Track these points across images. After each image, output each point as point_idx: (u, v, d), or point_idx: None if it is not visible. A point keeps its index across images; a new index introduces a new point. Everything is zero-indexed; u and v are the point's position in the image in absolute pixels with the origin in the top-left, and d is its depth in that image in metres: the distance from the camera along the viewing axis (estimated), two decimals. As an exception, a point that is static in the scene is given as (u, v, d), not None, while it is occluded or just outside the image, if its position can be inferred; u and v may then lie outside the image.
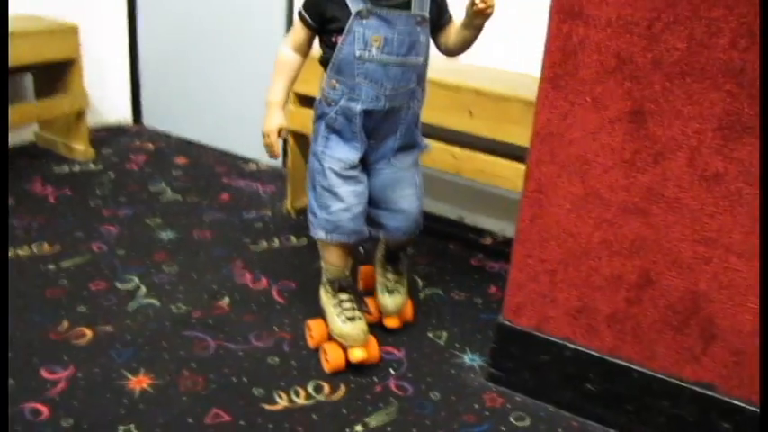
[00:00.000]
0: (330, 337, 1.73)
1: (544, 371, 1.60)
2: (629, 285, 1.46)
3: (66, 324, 1.81)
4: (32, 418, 1.48)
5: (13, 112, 2.69)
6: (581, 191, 1.44)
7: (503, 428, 1.55)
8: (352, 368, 1.69)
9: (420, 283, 2.14)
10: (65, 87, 2.84)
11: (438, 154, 2.03)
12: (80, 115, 2.89)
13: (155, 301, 1.94)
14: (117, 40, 3.25)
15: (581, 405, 1.58)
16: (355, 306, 1.73)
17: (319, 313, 1.80)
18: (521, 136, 1.62)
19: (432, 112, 1.90)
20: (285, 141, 2.62)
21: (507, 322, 1.63)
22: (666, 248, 1.40)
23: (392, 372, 1.71)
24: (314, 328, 1.77)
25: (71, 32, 2.73)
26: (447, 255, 2.32)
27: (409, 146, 1.68)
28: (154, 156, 3.05)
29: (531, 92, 1.52)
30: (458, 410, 1.59)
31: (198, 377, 1.64)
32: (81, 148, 2.93)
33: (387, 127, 1.62)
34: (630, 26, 1.31)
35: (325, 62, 1.58)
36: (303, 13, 1.56)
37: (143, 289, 1.99)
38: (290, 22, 2.78)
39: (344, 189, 1.62)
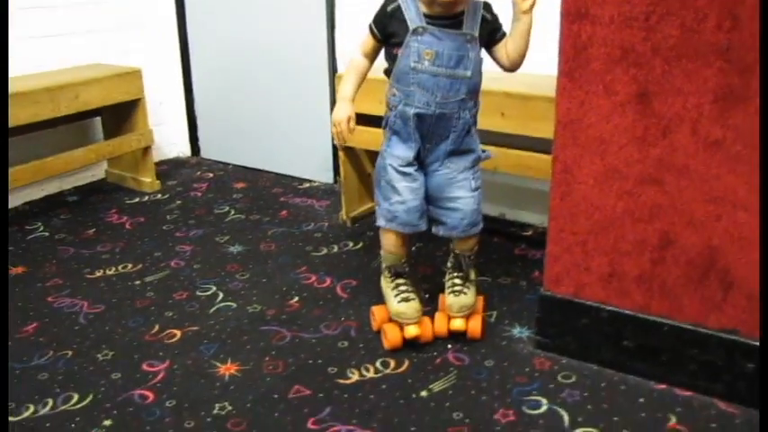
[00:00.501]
0: (390, 319, 1.93)
1: (584, 333, 1.79)
2: (652, 247, 1.65)
3: (157, 327, 2.05)
4: (141, 402, 1.72)
5: (88, 152, 2.98)
6: (601, 168, 1.64)
7: (551, 386, 1.74)
8: (410, 345, 1.88)
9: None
10: (131, 126, 3.12)
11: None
12: (147, 150, 3.17)
13: (232, 304, 2.17)
14: (173, 81, 3.55)
15: (620, 361, 1.76)
16: (410, 288, 1.93)
17: (381, 301, 2.01)
18: (547, 130, 1.82)
19: None
20: (336, 157, 2.86)
21: (548, 293, 1.82)
22: (681, 211, 1.59)
23: (449, 346, 1.92)
24: (376, 313, 1.99)
25: (136, 76, 3.02)
26: (492, 247, 2.52)
27: (463, 151, 1.85)
28: (214, 183, 3.31)
29: (551, 90, 1.72)
30: (510, 374, 1.79)
31: (278, 361, 1.87)
32: (148, 180, 3.21)
33: (439, 132, 1.81)
34: (630, 20, 1.52)
35: (388, 72, 1.82)
36: (372, 25, 1.79)
37: (221, 295, 2.23)
38: (332, 54, 3.03)
39: (402, 184, 1.83)
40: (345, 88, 1.84)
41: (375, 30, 1.79)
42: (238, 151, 3.52)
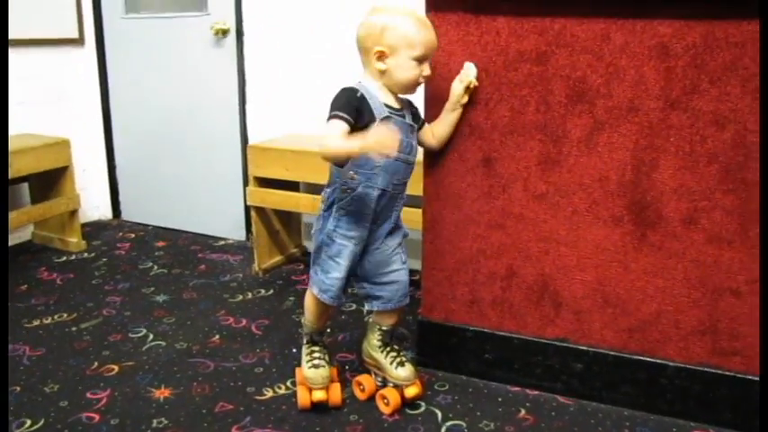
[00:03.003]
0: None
1: (454, 350, 2.22)
2: (501, 278, 2.11)
3: (96, 364, 2.37)
4: (88, 422, 2.03)
5: (20, 215, 3.27)
6: (459, 216, 2.11)
7: (429, 393, 2.16)
8: (318, 409, 2.07)
9: (364, 310, 2.75)
10: (58, 191, 3.42)
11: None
12: (74, 213, 3.48)
13: (162, 342, 2.51)
14: (96, 149, 3.89)
15: (483, 370, 2.21)
16: (322, 356, 2.11)
17: (290, 338, 2.40)
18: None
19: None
20: (249, 217, 3.25)
21: (425, 319, 2.26)
22: (520, 248, 2.07)
23: (347, 368, 2.32)
24: (297, 374, 2.16)
25: (65, 146, 3.35)
26: None
27: (395, 229, 2.01)
28: (136, 242, 3.64)
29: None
30: (397, 386, 2.20)
31: (205, 385, 2.22)
32: (75, 240, 3.51)
33: (385, 213, 1.95)
34: (476, 104, 2.01)
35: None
36: (340, 113, 1.78)
37: (151, 336, 2.57)
38: (243, 125, 3.45)
39: (346, 263, 1.95)
40: (351, 140, 1.75)
41: (347, 115, 1.78)
42: (158, 213, 3.87)
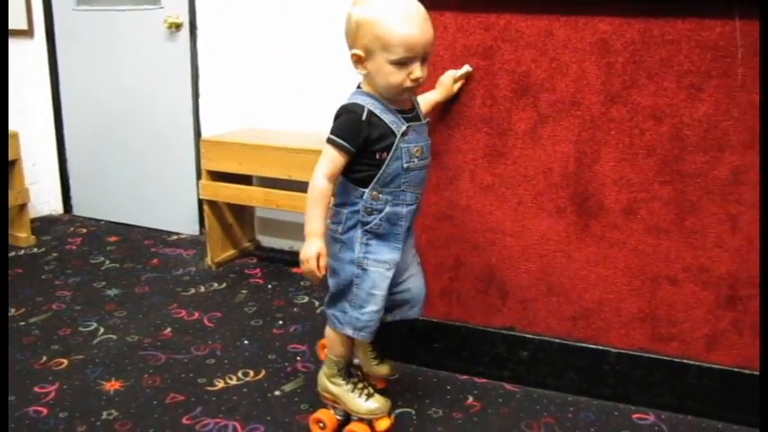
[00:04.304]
0: (348, 419, 1.92)
1: (404, 341, 2.26)
2: (449, 268, 2.16)
3: (45, 358, 2.35)
4: (36, 416, 2.02)
5: (-33, 211, 3.23)
6: (409, 208, 2.15)
7: (379, 381, 2.20)
8: None
9: (316, 303, 2.79)
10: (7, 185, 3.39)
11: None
12: (23, 207, 3.44)
13: (113, 336, 2.51)
14: (47, 143, 3.85)
15: (433, 360, 2.25)
16: (367, 383, 1.94)
17: (244, 329, 2.41)
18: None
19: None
20: (202, 211, 3.25)
21: (375, 308, 2.30)
22: (467, 239, 2.11)
23: (298, 358, 2.34)
24: (326, 419, 1.92)
25: (13, 138, 3.31)
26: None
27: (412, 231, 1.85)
28: (88, 237, 3.61)
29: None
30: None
31: (156, 377, 2.22)
32: (24, 235, 3.46)
33: (412, 225, 1.79)
34: (424, 98, 2.05)
35: (361, 180, 1.67)
36: (341, 142, 1.60)
37: (102, 329, 2.56)
38: (196, 118, 3.44)
39: (383, 294, 1.74)
40: (313, 224, 1.64)
41: (348, 145, 1.61)
42: (110, 208, 3.84)
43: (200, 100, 3.43)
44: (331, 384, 1.91)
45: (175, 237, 3.61)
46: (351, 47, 1.62)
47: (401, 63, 1.56)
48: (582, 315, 2.08)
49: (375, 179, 1.65)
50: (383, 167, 1.64)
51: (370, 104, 1.62)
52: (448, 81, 1.96)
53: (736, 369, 1.99)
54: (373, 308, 1.75)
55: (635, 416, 2.05)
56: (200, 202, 3.26)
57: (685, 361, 2.02)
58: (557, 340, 2.11)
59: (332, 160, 1.63)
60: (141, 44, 3.51)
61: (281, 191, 2.92)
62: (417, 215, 1.81)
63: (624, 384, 2.08)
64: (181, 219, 3.63)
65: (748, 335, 1.97)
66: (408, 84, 1.59)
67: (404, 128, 1.64)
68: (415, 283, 1.89)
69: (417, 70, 1.58)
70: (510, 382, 2.18)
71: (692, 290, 1.98)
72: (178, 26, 3.36)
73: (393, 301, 1.85)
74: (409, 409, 2.05)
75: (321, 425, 1.92)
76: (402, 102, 1.68)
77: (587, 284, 2.05)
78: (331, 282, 1.79)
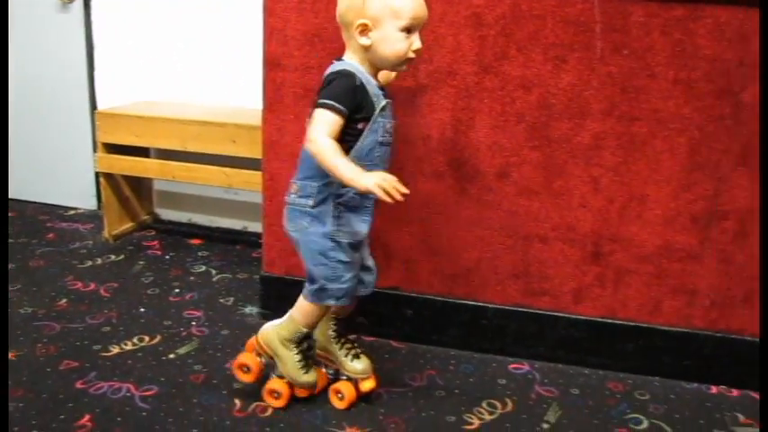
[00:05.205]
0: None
1: (293, 300, 2.35)
2: (337, 232, 2.26)
3: (-64, 331, 2.35)
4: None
5: None
6: (297, 175, 2.24)
7: (272, 342, 2.29)
8: None
9: (213, 272, 2.85)
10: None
11: (214, 174, 2.79)
12: None
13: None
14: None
15: (323, 320, 2.35)
16: (310, 359, 1.97)
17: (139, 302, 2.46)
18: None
19: (208, 144, 2.67)
20: (99, 185, 3.24)
21: (266, 274, 2.38)
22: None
23: (193, 323, 2.41)
24: (249, 363, 1.97)
25: None
26: (235, 252, 3.06)
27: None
28: (-19, 213, 3.55)
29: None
30: (241, 337, 2.30)
31: (50, 346, 2.24)
32: None
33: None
34: (309, 69, 2.13)
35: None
36: (334, 104, 1.62)
37: (-6, 302, 2.56)
38: (92, 90, 3.42)
39: (355, 257, 1.81)
40: (348, 170, 1.60)
41: (342, 107, 1.62)
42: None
43: (96, 72, 3.41)
44: (280, 344, 1.92)
45: (72, 211, 3.58)
46: (353, 20, 1.65)
47: (408, 30, 1.64)
48: (461, 274, 2.22)
49: (352, 151, 1.67)
50: (361, 139, 1.68)
51: (359, 73, 1.67)
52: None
53: (599, 319, 2.17)
54: (351, 274, 1.81)
55: (511, 366, 2.21)
56: (97, 175, 3.25)
57: (555, 313, 2.19)
58: (439, 298, 2.25)
59: (328, 122, 1.63)
60: (34, 17, 3.44)
61: (178, 162, 2.95)
62: None
63: (501, 337, 2.24)
64: (78, 193, 3.60)
65: (610, 287, 2.15)
66: (410, 54, 1.67)
67: (383, 102, 1.70)
68: (372, 263, 1.95)
69: (418, 41, 1.66)
70: (396, 339, 2.31)
71: (561, 247, 2.14)
72: (70, -2, 3.33)
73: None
74: (300, 367, 2.14)
75: (245, 369, 1.98)
76: (377, 79, 1.73)
77: (466, 244, 2.19)
78: (305, 259, 1.83)
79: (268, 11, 2.14)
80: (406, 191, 1.59)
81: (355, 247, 1.81)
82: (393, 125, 1.77)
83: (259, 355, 1.98)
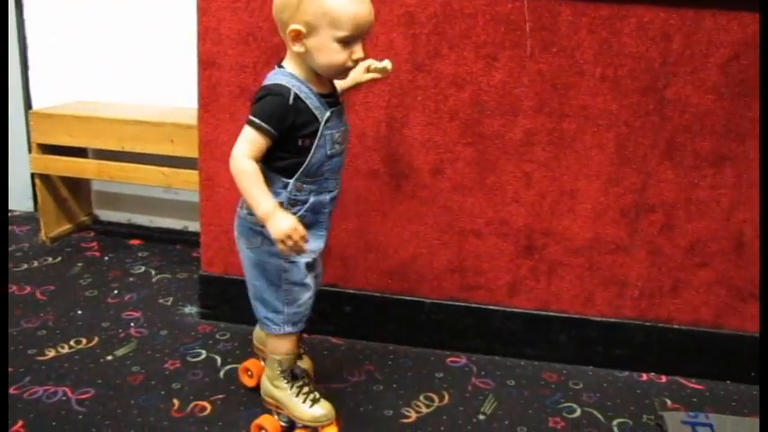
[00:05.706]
0: (293, 426, 1.82)
1: (235, 301, 2.35)
2: (275, 230, 2.27)
3: None
4: None
5: None
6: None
7: (210, 342, 2.29)
8: None
9: (153, 272, 2.83)
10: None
11: (153, 174, 2.76)
12: None
13: (-63, 313, 2.46)
14: None
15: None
16: (312, 387, 1.83)
17: (77, 304, 2.43)
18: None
19: (146, 144, 2.65)
20: (34, 185, 3.19)
21: (205, 273, 2.38)
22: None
23: (132, 324, 2.39)
24: (269, 426, 1.81)
25: None
26: (175, 252, 3.04)
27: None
28: None
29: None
30: (179, 338, 2.30)
31: (-18, 351, 2.22)
32: None
33: (334, 207, 1.72)
34: (244, 68, 2.13)
35: (284, 168, 1.58)
36: (265, 126, 1.50)
37: (-75, 307, 2.50)
38: (26, 90, 3.36)
39: (310, 278, 1.70)
40: (264, 202, 1.52)
41: (269, 128, 1.50)
42: (-64, 186, 3.67)
43: (30, 72, 3.35)
44: (274, 388, 1.79)
45: (9, 214, 3.51)
46: (287, 22, 1.50)
47: (346, 42, 1.48)
48: (398, 270, 2.25)
49: (300, 170, 1.57)
50: (308, 157, 1.56)
51: (295, 87, 1.53)
52: (360, 69, 1.70)
53: (534, 311, 2.22)
54: (307, 296, 1.71)
55: (449, 359, 2.25)
56: (33, 176, 3.19)
57: (491, 307, 2.23)
58: (376, 294, 2.27)
59: (254, 143, 1.51)
60: (-37, 14, 3.37)
61: (116, 162, 2.91)
62: (338, 199, 1.73)
63: (438, 332, 2.27)
64: (13, 195, 3.53)
65: (543, 280, 2.20)
66: (350, 64, 1.53)
67: (327, 114, 1.56)
68: (320, 271, 1.85)
69: (359, 51, 1.52)
70: (335, 335, 2.33)
71: (495, 242, 2.18)
72: (2, -4, 3.25)
73: None
74: (237, 365, 2.15)
75: (249, 373, 1.95)
76: (324, 84, 1.60)
77: (401, 240, 2.22)
78: (256, 281, 1.72)
79: (202, 10, 2.13)
80: (307, 250, 1.56)
81: (311, 266, 1.70)
82: (344, 131, 1.65)
83: (277, 414, 1.85)
